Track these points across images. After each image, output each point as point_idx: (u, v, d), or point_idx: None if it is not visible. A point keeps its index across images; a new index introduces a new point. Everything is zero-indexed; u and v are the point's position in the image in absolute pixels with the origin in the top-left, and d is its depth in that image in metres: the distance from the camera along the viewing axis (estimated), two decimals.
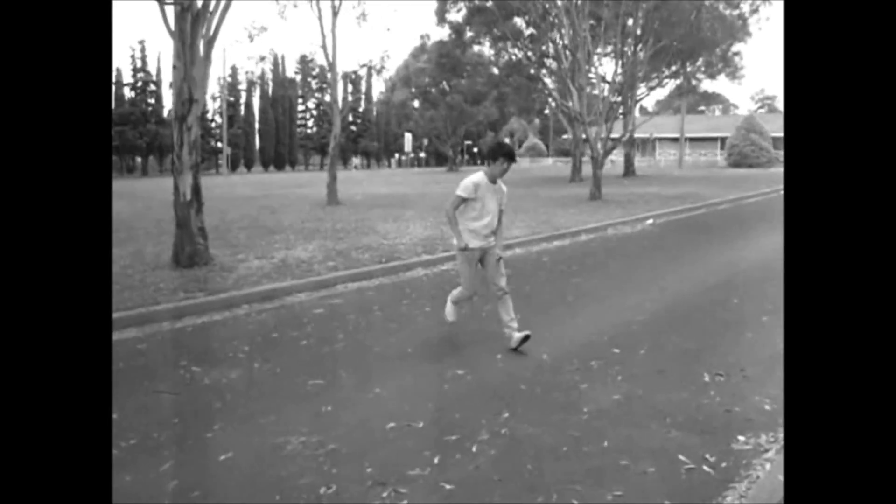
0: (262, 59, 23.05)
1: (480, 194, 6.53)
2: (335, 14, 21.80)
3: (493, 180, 6.58)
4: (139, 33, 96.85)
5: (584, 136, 25.49)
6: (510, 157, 6.62)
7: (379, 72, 25.52)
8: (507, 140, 69.70)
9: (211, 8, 10.45)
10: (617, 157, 50.94)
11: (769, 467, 4.03)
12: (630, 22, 28.93)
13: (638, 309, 7.95)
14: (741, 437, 4.44)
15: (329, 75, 23.77)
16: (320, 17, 21.93)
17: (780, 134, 64.52)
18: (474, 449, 4.34)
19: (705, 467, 4.07)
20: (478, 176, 6.60)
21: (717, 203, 23.01)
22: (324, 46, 21.99)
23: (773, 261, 11.34)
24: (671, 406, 4.99)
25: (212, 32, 10.50)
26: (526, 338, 6.47)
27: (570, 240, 14.15)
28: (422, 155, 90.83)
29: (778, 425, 4.60)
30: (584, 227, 15.46)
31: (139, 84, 73.46)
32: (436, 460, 4.20)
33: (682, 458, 4.17)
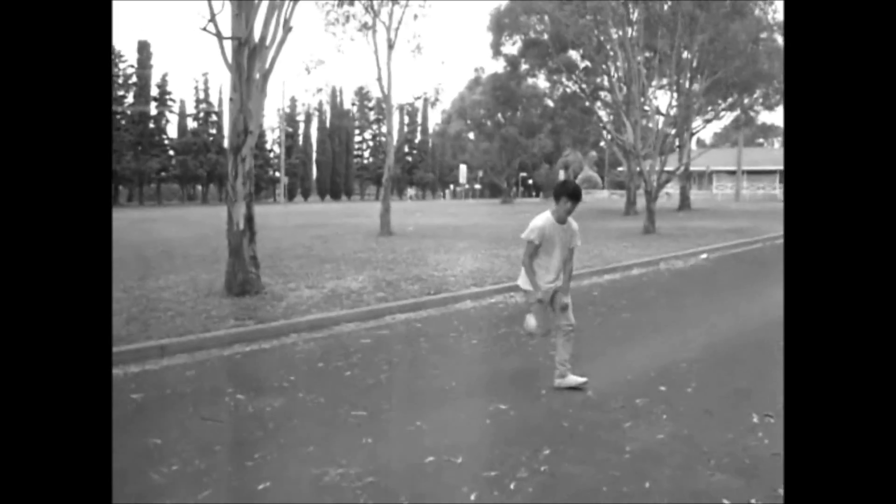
0: (319, 90, 23.57)
1: (548, 235, 6.25)
2: (391, 47, 22.11)
3: (560, 221, 6.27)
4: (203, 66, 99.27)
5: (638, 168, 25.24)
6: (575, 196, 6.24)
7: (433, 104, 25.76)
8: (562, 172, 69.67)
9: (267, 42, 10.68)
10: (673, 189, 50.39)
11: None
12: (686, 54, 28.79)
13: (687, 346, 7.82)
14: None
15: (384, 107, 24.05)
16: (376, 51, 22.26)
17: None
18: (512, 486, 4.29)
19: None
20: (543, 217, 6.30)
21: (774, 237, 22.57)
22: (379, 79, 22.34)
23: None
24: (717, 447, 4.87)
25: (268, 66, 10.73)
26: (580, 384, 6.24)
27: (621, 274, 14.01)
28: (476, 186, 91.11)
29: None
30: (637, 262, 15.29)
31: (201, 115, 75.39)
32: (473, 496, 4.16)
33: (725, 501, 4.07)
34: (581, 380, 6.25)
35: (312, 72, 22.90)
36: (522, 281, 6.54)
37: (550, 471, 4.51)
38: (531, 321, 6.78)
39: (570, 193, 6.23)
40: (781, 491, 4.20)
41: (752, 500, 4.07)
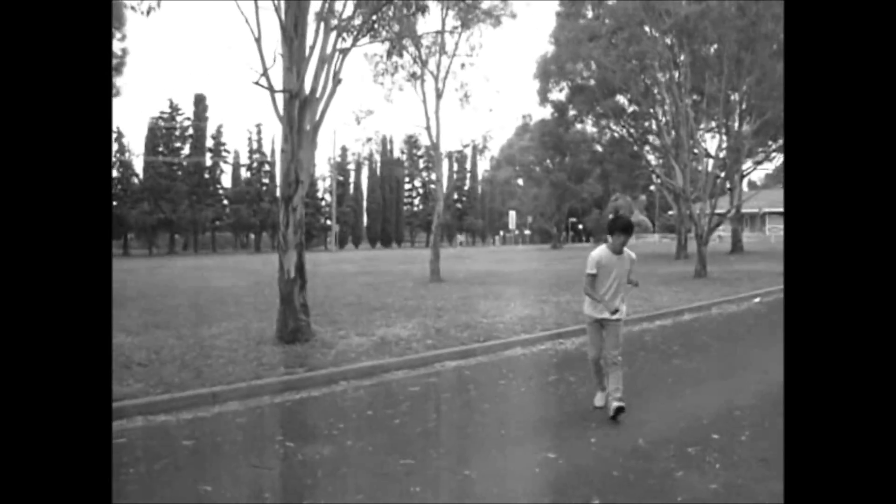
0: (369, 140, 23.74)
1: (604, 264, 6.88)
2: (439, 96, 22.41)
3: (616, 252, 6.91)
4: (257, 117, 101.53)
5: (688, 212, 25.03)
6: (626, 229, 6.91)
7: (482, 151, 25.88)
8: (623, 214, 69.01)
9: (318, 94, 10.92)
10: (725, 232, 49.77)
11: None
12: (734, 96, 28.64)
13: (740, 392, 7.68)
14: None
15: (433, 155, 24.31)
16: (424, 100, 22.58)
17: None
18: None
19: None
20: (601, 250, 6.98)
21: None
22: (427, 127, 22.57)
23: None
24: (772, 497, 4.75)
25: (318, 117, 10.95)
26: (620, 409, 6.61)
27: (672, 319, 13.84)
28: (526, 232, 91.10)
29: None
30: (688, 306, 15.09)
31: (254, 165, 76.90)
32: None
33: None
34: (619, 404, 6.64)
35: (362, 122, 23.22)
36: (587, 308, 7.10)
37: None
38: (599, 399, 7.14)
39: (622, 228, 6.89)
40: None
41: None
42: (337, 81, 11.11)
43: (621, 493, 4.90)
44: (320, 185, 78.76)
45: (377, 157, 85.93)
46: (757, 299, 17.07)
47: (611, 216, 8.31)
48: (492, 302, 15.92)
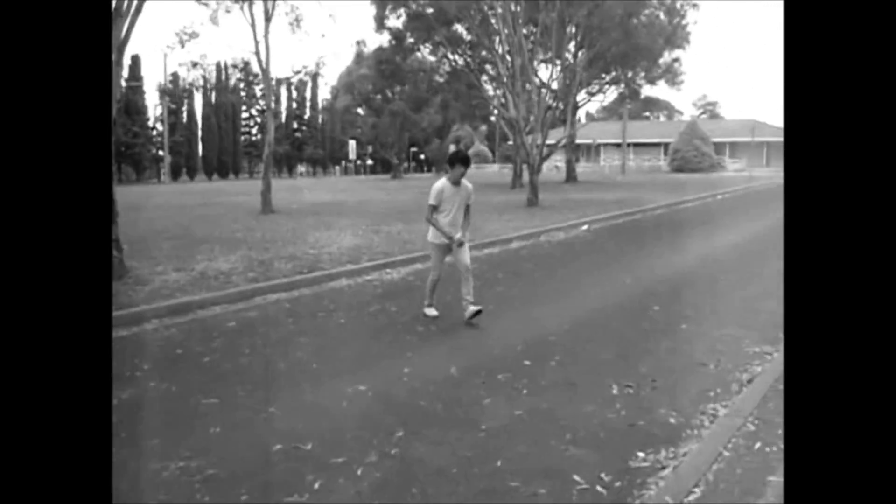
0: (195, 64, 22.34)
1: (446, 197, 7.66)
2: (268, 19, 21.40)
3: (454, 183, 7.67)
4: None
5: (521, 142, 25.38)
6: (465, 161, 7.72)
7: (314, 78, 25.11)
8: (453, 147, 69.61)
9: (123, 10, 10.07)
10: (562, 163, 51.16)
11: (662, 485, 3.87)
12: (570, 28, 29.04)
13: (558, 318, 7.80)
14: (640, 454, 4.28)
15: (262, 82, 23.38)
16: (253, 23, 21.49)
17: (722, 139, 65.67)
18: (359, 472, 4.11)
19: (598, 487, 3.89)
20: (441, 183, 7.73)
21: (654, 208, 23.14)
22: (257, 52, 21.57)
23: (697, 267, 11.35)
24: (574, 421, 4.82)
25: (122, 36, 10.12)
26: (478, 312, 7.50)
27: (500, 247, 13.99)
28: (368, 162, 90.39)
29: (680, 440, 4.47)
30: (517, 234, 15.33)
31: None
32: (316, 486, 3.96)
33: (576, 477, 3.99)
34: (475, 308, 7.52)
35: (187, 45, 21.96)
36: (431, 235, 7.92)
37: (401, 454, 4.36)
38: (431, 311, 7.94)
39: (460, 159, 7.71)
40: (632, 463, 4.17)
41: (603, 475, 4.01)
42: None
43: (427, 423, 4.83)
44: (151, 114, 74.72)
45: (212, 84, 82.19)
46: (584, 227, 17.58)
47: (451, 147, 8.69)
48: (322, 233, 15.60)
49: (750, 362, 6.04)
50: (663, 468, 4.10)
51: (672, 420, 4.80)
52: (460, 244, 7.66)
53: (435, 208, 7.68)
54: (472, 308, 7.51)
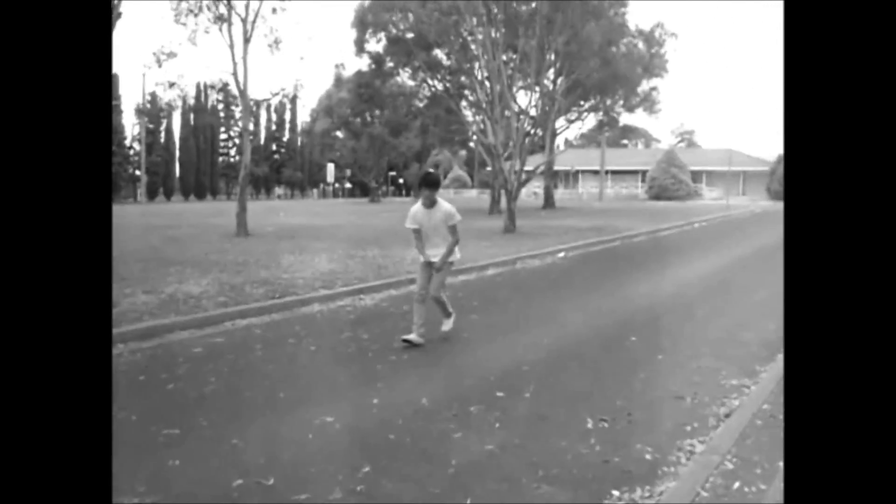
0: (172, 84, 22.00)
1: (420, 219, 7.79)
2: (247, 41, 21.28)
3: (427, 206, 7.74)
4: None
5: (500, 167, 25.34)
6: (431, 184, 7.75)
7: (293, 100, 24.98)
8: (431, 170, 69.47)
9: None
10: (540, 189, 51.27)
11: None
12: (551, 56, 29.15)
13: (533, 347, 7.66)
14: (615, 493, 4.13)
15: (240, 103, 23.21)
16: (231, 45, 21.34)
17: (699, 167, 66.22)
18: None
19: None
20: (415, 206, 7.89)
21: (632, 235, 23.14)
22: (235, 73, 21.41)
23: (675, 296, 11.25)
24: (547, 456, 4.66)
25: None
26: (415, 343, 7.57)
27: (476, 274, 13.85)
28: (347, 185, 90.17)
29: (656, 478, 4.33)
30: (493, 261, 15.20)
31: None
32: None
33: None
34: (414, 338, 7.59)
35: (164, 64, 21.77)
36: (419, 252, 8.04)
37: (367, 490, 4.18)
38: (413, 336, 7.72)
39: (427, 182, 7.77)
40: (606, 503, 4.02)
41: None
42: (117, 15, 10.13)
43: (394, 458, 4.66)
44: (129, 133, 74.15)
45: (191, 105, 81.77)
46: (561, 254, 17.51)
47: (424, 172, 8.64)
48: (296, 256, 15.39)
49: (727, 395, 5.92)
50: None
51: (648, 456, 4.66)
52: (438, 269, 7.80)
53: (417, 231, 7.86)
54: (446, 324, 8.08)
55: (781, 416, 5.14)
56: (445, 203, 7.79)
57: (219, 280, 11.77)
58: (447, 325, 8.05)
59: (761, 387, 6.08)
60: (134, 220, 30.35)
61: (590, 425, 5.24)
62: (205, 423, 5.38)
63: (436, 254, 7.80)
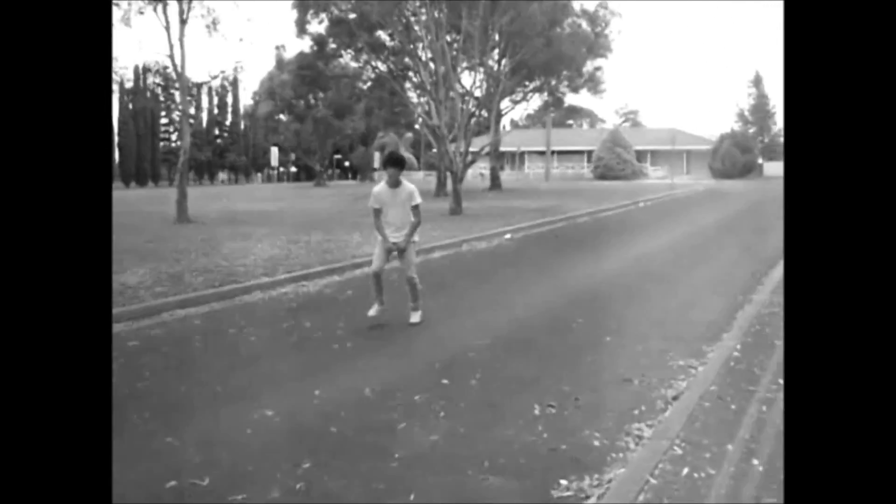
0: None
1: (385, 199, 7.78)
2: (183, 22, 20.70)
3: (392, 185, 7.76)
4: None
5: (444, 149, 25.17)
6: (395, 163, 7.74)
7: (235, 83, 24.40)
8: (377, 154, 68.99)
9: None
10: (487, 170, 51.23)
11: None
12: (495, 36, 28.99)
13: (479, 332, 7.53)
14: (563, 482, 4.01)
15: (178, 86, 22.63)
16: (168, 26, 20.73)
17: (644, 147, 66.86)
18: None
19: None
20: (379, 186, 7.93)
21: (577, 216, 23.19)
22: (171, 56, 20.84)
23: (620, 276, 11.24)
24: (494, 446, 4.53)
25: None
26: (417, 321, 7.81)
27: (421, 257, 13.61)
28: (292, 169, 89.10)
29: (605, 465, 4.23)
30: (438, 244, 15.04)
31: None
32: None
33: None
34: (416, 318, 7.88)
35: None
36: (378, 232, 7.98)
37: (307, 488, 4.01)
38: (373, 311, 7.86)
39: (391, 161, 7.79)
40: (554, 493, 3.91)
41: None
42: None
43: (336, 453, 4.49)
44: None
45: (129, 88, 79.71)
46: (508, 235, 17.44)
47: (376, 154, 8.80)
48: (238, 243, 15.05)
49: (675, 377, 5.86)
50: (587, 497, 3.85)
51: (596, 442, 4.56)
52: (402, 249, 7.82)
53: (379, 212, 7.81)
54: (414, 317, 7.88)
55: (728, 398, 5.10)
56: (408, 183, 7.82)
57: (157, 269, 11.42)
58: (415, 317, 7.90)
59: (708, 367, 6.03)
60: None
61: (537, 412, 5.13)
62: (137, 421, 5.14)
63: (396, 236, 7.79)
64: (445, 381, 5.85)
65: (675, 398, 5.34)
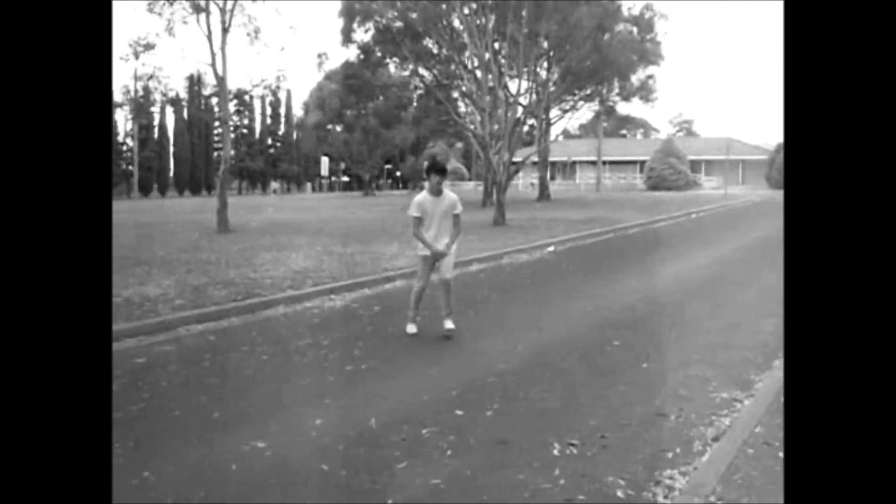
0: (150, 77, 21.06)
1: (427, 208, 7.66)
2: (225, 30, 20.56)
3: (434, 194, 7.71)
4: None
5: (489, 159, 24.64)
6: (439, 171, 7.74)
7: (288, 93, 24.16)
8: (439, 158, 68.62)
9: None
10: (537, 180, 50.55)
11: None
12: (544, 44, 28.36)
13: (504, 354, 6.99)
14: None
15: (219, 94, 22.49)
16: (210, 35, 20.60)
17: (698, 157, 65.54)
18: None
19: None
20: (421, 195, 7.78)
21: (626, 227, 22.46)
22: (213, 64, 20.71)
23: (666, 294, 10.57)
24: (499, 493, 4.00)
25: None
26: (450, 333, 7.67)
27: (459, 270, 13.05)
28: (344, 179, 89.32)
29: None
30: (478, 256, 14.50)
31: None
32: None
33: None
34: (448, 326, 7.71)
35: (141, 56, 21.06)
36: (420, 247, 7.83)
37: None
38: (411, 328, 7.87)
39: (436, 170, 7.74)
40: None
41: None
42: None
43: (324, 494, 4.00)
44: (121, 128, 73.20)
45: (184, 98, 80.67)
46: (550, 248, 16.83)
47: (426, 163, 8.38)
48: (272, 254, 14.68)
49: (716, 412, 5.26)
50: None
51: (620, 492, 4.00)
52: (442, 255, 7.69)
53: (419, 221, 7.68)
54: (448, 323, 7.72)
55: (777, 443, 4.47)
56: (451, 192, 7.82)
57: (183, 281, 11.08)
58: (449, 323, 7.78)
59: (755, 401, 5.41)
60: (119, 217, 29.63)
61: (556, 451, 4.57)
62: (117, 450, 4.69)
63: (437, 244, 7.69)
64: (459, 412, 5.31)
65: (715, 439, 4.73)
